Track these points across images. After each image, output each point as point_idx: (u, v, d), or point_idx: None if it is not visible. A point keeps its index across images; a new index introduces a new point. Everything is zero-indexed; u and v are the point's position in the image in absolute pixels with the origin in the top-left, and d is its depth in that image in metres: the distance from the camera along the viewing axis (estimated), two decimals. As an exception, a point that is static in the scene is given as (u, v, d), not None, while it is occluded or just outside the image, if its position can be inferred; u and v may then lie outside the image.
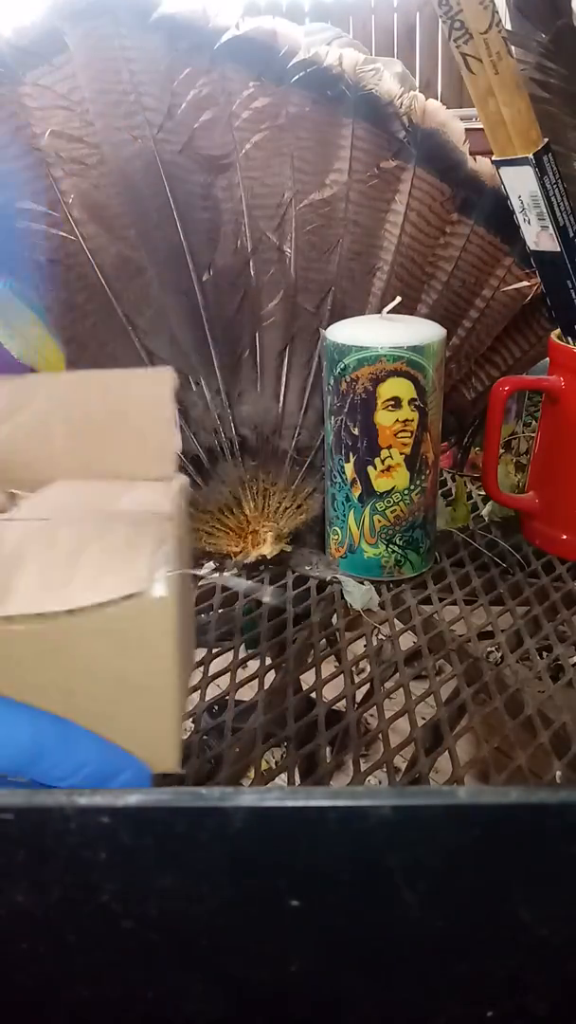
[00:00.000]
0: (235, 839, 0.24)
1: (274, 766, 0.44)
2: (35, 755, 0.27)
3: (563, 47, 0.52)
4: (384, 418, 0.53)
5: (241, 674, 0.50)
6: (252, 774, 0.43)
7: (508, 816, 0.24)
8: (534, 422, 0.77)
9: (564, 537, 0.60)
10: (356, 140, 0.58)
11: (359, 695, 0.51)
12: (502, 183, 0.55)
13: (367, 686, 0.51)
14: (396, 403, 0.53)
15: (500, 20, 0.50)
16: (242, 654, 0.52)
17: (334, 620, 0.55)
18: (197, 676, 0.49)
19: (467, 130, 0.60)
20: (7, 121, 0.55)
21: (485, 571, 0.60)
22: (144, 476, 0.36)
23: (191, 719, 0.46)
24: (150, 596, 0.27)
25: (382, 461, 0.54)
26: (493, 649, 0.54)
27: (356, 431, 0.54)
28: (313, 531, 0.61)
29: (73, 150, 0.55)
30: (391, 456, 0.54)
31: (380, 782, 0.48)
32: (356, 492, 0.55)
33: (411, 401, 0.53)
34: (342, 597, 0.56)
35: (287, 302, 0.60)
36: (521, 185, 0.54)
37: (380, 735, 0.44)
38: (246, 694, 0.48)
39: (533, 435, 0.68)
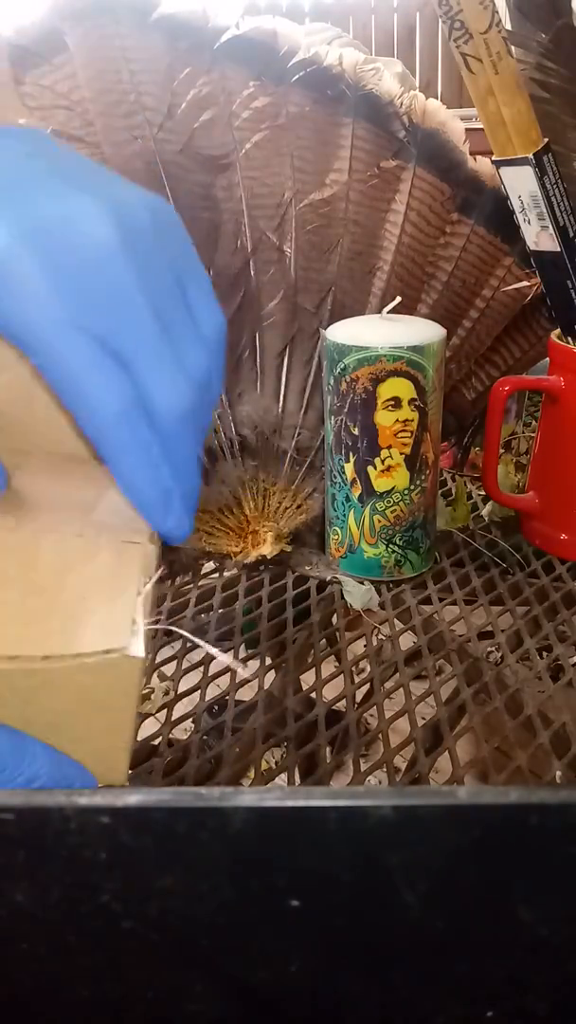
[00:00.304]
0: (235, 839, 0.24)
1: (274, 766, 0.44)
2: None
3: (563, 47, 0.51)
4: (384, 418, 0.53)
5: (241, 674, 0.50)
6: (252, 774, 0.43)
7: (508, 816, 0.24)
8: (534, 422, 0.77)
9: (564, 537, 0.60)
10: (356, 140, 0.58)
11: (359, 695, 0.51)
12: (502, 183, 0.55)
13: (367, 686, 0.51)
14: (396, 403, 0.53)
15: (500, 20, 0.50)
16: (242, 654, 0.52)
17: (334, 620, 0.55)
18: (197, 676, 0.49)
19: (467, 130, 0.60)
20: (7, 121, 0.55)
21: (485, 571, 0.60)
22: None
23: (191, 719, 0.47)
24: (128, 655, 0.27)
25: (382, 461, 0.54)
26: (493, 649, 0.54)
27: (356, 431, 0.54)
28: (313, 531, 0.61)
29: (73, 150, 0.55)
30: (391, 456, 0.54)
31: (380, 782, 0.49)
32: (356, 492, 0.55)
33: (411, 401, 0.53)
34: (342, 597, 0.56)
35: (287, 302, 0.60)
36: (521, 185, 0.54)
37: (380, 735, 0.44)
38: (246, 694, 0.48)
39: (533, 435, 0.68)
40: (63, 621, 0.28)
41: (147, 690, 0.49)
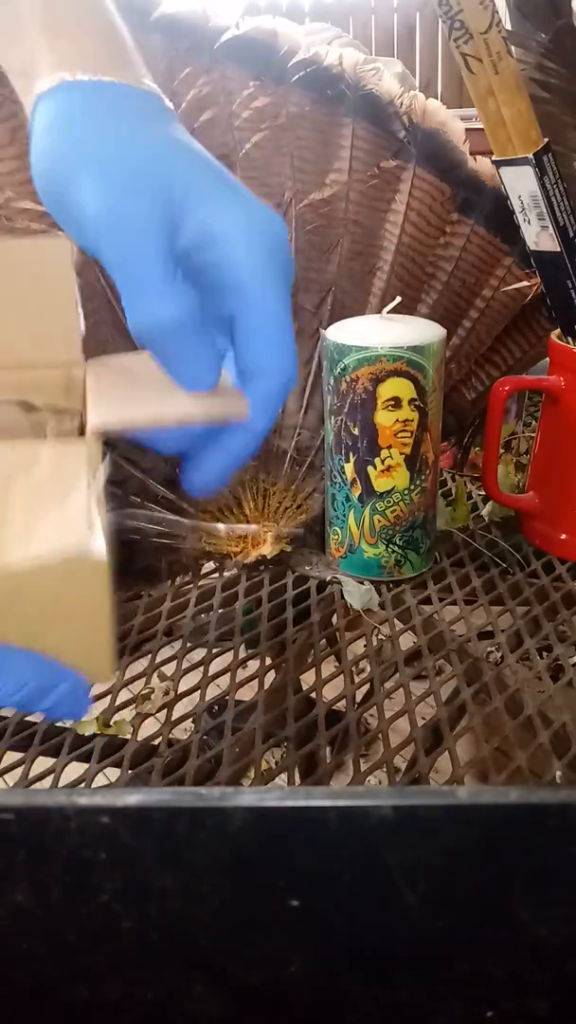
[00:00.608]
0: (235, 839, 0.24)
1: (274, 766, 0.44)
2: None
3: (563, 47, 0.51)
4: (384, 418, 0.53)
5: (241, 674, 0.50)
6: (252, 774, 0.43)
7: (508, 816, 0.24)
8: (534, 422, 0.77)
9: (564, 537, 0.60)
10: (356, 140, 0.58)
11: (359, 695, 0.51)
12: (502, 183, 0.55)
13: (367, 686, 0.51)
14: (396, 403, 0.53)
15: (500, 20, 0.50)
16: (242, 654, 0.52)
17: (334, 620, 0.55)
18: (197, 676, 0.49)
19: (467, 130, 0.60)
20: (7, 121, 0.54)
21: (485, 571, 0.60)
22: (48, 363, 0.34)
23: (191, 719, 0.47)
24: (89, 558, 0.27)
25: (382, 461, 0.54)
26: (493, 649, 0.54)
27: (356, 431, 0.54)
28: (313, 531, 0.61)
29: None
30: (391, 456, 0.54)
31: (380, 782, 0.48)
32: (356, 492, 0.55)
33: (411, 401, 0.53)
34: (342, 597, 0.56)
35: (287, 302, 0.60)
36: (521, 185, 0.54)
37: (380, 735, 0.44)
38: (246, 694, 0.48)
39: (533, 435, 0.68)
40: (16, 529, 0.27)
41: (147, 690, 0.49)
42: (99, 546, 0.27)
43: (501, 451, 0.64)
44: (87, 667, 0.30)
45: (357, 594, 0.55)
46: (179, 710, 0.47)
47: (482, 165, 0.60)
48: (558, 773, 0.42)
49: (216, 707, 0.47)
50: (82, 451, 0.30)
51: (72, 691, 0.30)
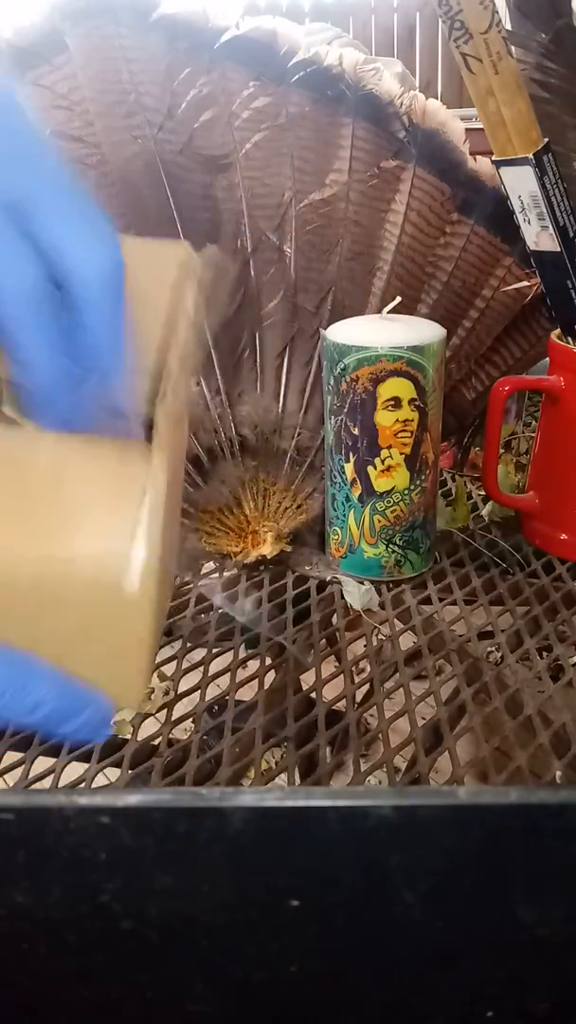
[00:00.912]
0: (235, 839, 0.24)
1: (274, 766, 0.44)
2: None
3: (563, 47, 0.51)
4: (384, 418, 0.53)
5: (241, 674, 0.50)
6: (252, 774, 0.43)
7: (508, 816, 0.24)
8: (534, 422, 0.77)
9: (564, 537, 0.60)
10: (356, 140, 0.58)
11: (359, 695, 0.51)
12: (502, 183, 0.55)
13: (367, 686, 0.51)
14: (396, 403, 0.53)
15: (500, 20, 0.50)
16: (242, 654, 0.52)
17: (334, 620, 0.55)
18: (197, 676, 0.49)
19: (467, 130, 0.60)
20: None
21: (485, 571, 0.60)
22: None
23: (191, 719, 0.47)
24: (123, 589, 0.26)
25: (382, 461, 0.54)
26: (493, 649, 0.54)
27: (356, 431, 0.54)
28: (313, 531, 0.61)
29: (73, 150, 0.55)
30: (391, 456, 0.54)
31: (380, 782, 0.49)
32: (356, 492, 0.55)
33: (411, 401, 0.53)
34: (342, 597, 0.56)
35: (287, 302, 0.60)
36: (521, 185, 0.54)
37: (380, 735, 0.44)
38: (246, 694, 0.48)
39: (533, 435, 0.68)
40: (58, 522, 0.26)
41: (147, 690, 0.49)
42: (134, 580, 0.25)
43: (501, 451, 0.64)
44: (116, 690, 0.29)
45: (357, 594, 0.55)
46: (179, 710, 0.47)
47: (482, 165, 0.60)
48: (558, 773, 0.42)
49: (216, 707, 0.47)
50: (144, 454, 0.27)
51: (95, 716, 0.28)
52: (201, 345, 0.32)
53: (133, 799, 0.24)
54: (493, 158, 0.55)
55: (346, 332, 0.53)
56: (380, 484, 0.55)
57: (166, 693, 0.48)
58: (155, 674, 0.50)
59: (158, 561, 0.26)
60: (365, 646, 0.52)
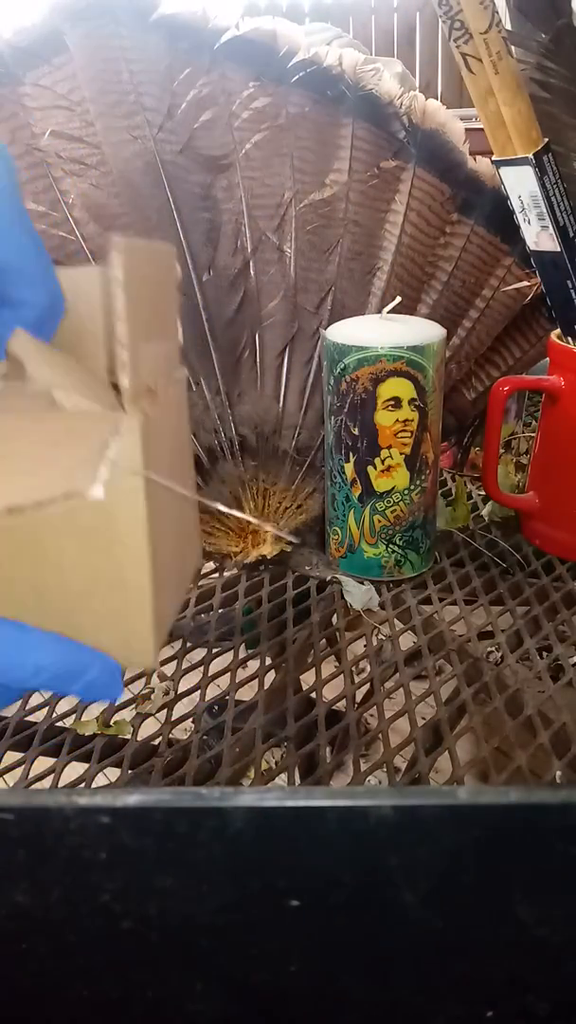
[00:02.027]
0: (235, 839, 0.24)
1: (274, 766, 0.44)
2: None
3: (563, 47, 0.51)
4: (384, 418, 0.53)
5: (241, 674, 0.50)
6: (252, 774, 0.43)
7: (508, 816, 0.24)
8: (534, 422, 0.77)
9: (564, 537, 0.60)
10: (356, 140, 0.58)
11: (359, 695, 0.51)
12: (502, 183, 0.55)
13: (367, 686, 0.51)
14: (396, 403, 0.53)
15: (500, 20, 0.50)
16: (242, 654, 0.52)
17: (334, 620, 0.55)
18: (197, 676, 0.49)
19: (467, 130, 0.60)
20: (7, 121, 0.55)
21: (485, 571, 0.60)
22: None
23: (191, 719, 0.47)
24: (91, 495, 0.25)
25: (382, 461, 0.54)
26: (493, 649, 0.54)
27: (356, 431, 0.54)
28: (313, 531, 0.61)
29: (73, 150, 0.55)
30: (391, 456, 0.54)
31: (380, 782, 0.48)
32: (356, 492, 0.55)
33: (411, 401, 0.53)
34: (342, 597, 0.56)
35: (287, 302, 0.60)
36: (521, 185, 0.54)
37: (380, 735, 0.44)
38: (246, 694, 0.48)
39: (533, 435, 0.68)
40: (28, 467, 0.26)
41: (147, 690, 0.49)
42: (97, 492, 0.25)
43: (501, 451, 0.64)
44: (127, 652, 0.28)
45: (357, 594, 0.55)
46: (179, 710, 0.47)
47: (482, 165, 0.60)
48: (558, 773, 0.42)
49: (216, 707, 0.47)
50: (114, 418, 0.27)
51: (102, 678, 0.28)
52: (177, 316, 0.32)
53: (133, 799, 0.24)
54: (493, 158, 0.55)
55: (346, 332, 0.53)
56: (380, 484, 0.55)
57: (166, 693, 0.48)
58: (155, 674, 0.50)
59: (140, 481, 0.26)
60: (365, 646, 0.52)
